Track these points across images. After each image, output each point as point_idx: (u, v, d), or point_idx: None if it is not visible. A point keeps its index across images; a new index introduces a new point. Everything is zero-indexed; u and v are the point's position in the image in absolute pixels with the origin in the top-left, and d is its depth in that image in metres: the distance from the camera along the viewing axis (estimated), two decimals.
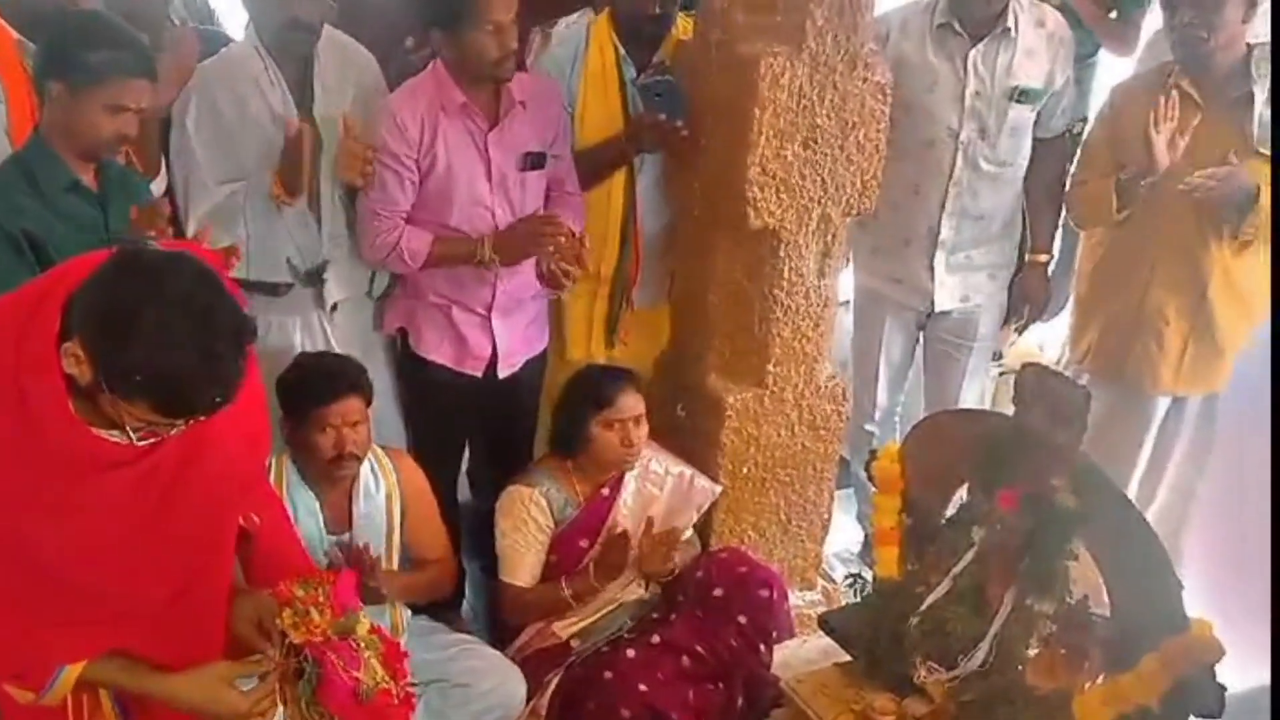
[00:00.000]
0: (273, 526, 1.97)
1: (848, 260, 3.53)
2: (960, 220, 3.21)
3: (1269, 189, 2.84)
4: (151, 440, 1.55)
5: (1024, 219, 3.37)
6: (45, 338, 1.48)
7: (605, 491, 2.79)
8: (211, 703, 1.70)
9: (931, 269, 3.26)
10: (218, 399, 1.49)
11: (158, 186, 2.66)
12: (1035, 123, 3.20)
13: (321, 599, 1.73)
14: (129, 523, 1.62)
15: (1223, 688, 1.84)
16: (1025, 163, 3.23)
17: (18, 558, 1.57)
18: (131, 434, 1.52)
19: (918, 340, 3.49)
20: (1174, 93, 2.91)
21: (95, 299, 1.46)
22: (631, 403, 2.73)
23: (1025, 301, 3.44)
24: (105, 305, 1.45)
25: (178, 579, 1.73)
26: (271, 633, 1.77)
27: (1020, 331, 3.65)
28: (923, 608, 2.23)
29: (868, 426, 3.54)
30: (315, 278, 2.83)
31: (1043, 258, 3.39)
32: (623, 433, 2.71)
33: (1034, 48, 3.11)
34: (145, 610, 1.72)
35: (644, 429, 2.75)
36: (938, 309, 3.32)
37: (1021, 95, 3.10)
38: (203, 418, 1.52)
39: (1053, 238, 3.42)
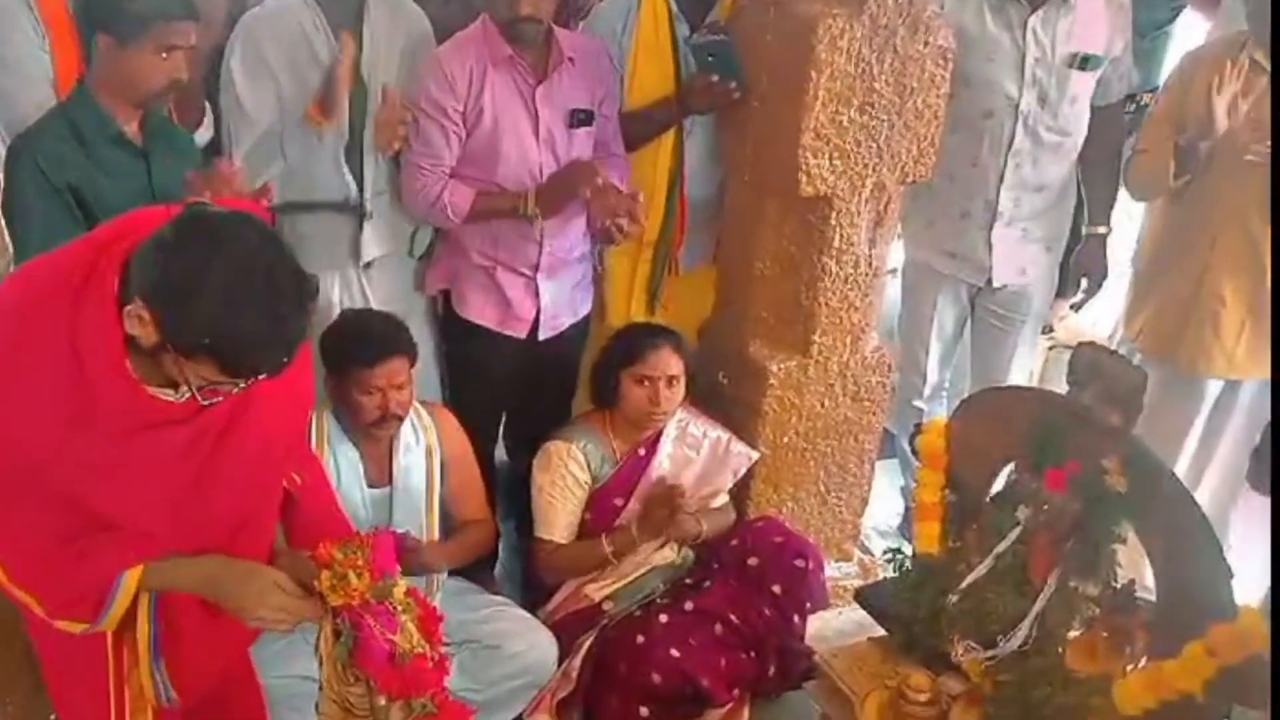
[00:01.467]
0: (313, 487, 1.97)
1: (898, 233, 3.47)
2: (1020, 192, 3.14)
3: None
4: (214, 399, 1.56)
5: (1079, 189, 3.30)
6: (104, 297, 1.48)
7: (642, 451, 2.78)
8: (257, 591, 1.69)
9: (990, 243, 3.19)
10: (284, 359, 1.50)
11: (202, 138, 2.66)
12: (1094, 90, 3.12)
13: (360, 563, 1.73)
14: (177, 479, 1.63)
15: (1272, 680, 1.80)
16: (1085, 132, 3.16)
17: (70, 505, 1.58)
18: (196, 393, 1.52)
19: (968, 314, 3.43)
20: (1244, 58, 2.84)
21: (159, 260, 1.46)
22: (664, 361, 2.69)
23: (1084, 274, 3.37)
24: (170, 267, 1.45)
25: (221, 536, 1.74)
26: (311, 594, 1.77)
27: (1077, 308, 3.55)
28: (963, 585, 2.20)
29: (916, 402, 3.49)
30: (356, 210, 2.80)
31: (1101, 229, 3.32)
32: (651, 390, 2.68)
33: (1094, 12, 3.03)
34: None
35: (676, 391, 2.72)
36: (995, 284, 3.25)
37: (1083, 62, 3.03)
38: (266, 377, 1.52)
39: (1110, 209, 3.34)
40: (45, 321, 1.50)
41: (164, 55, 2.23)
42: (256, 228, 1.50)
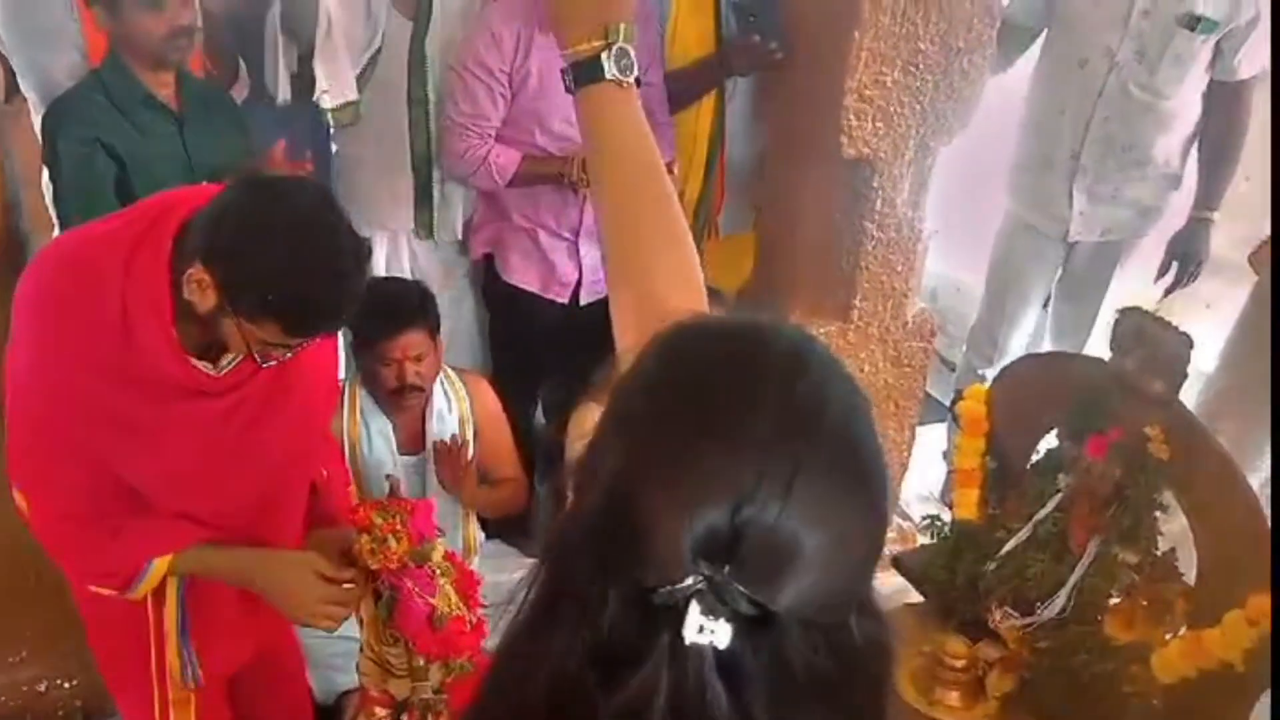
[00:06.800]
0: (335, 483, 2.00)
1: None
2: (1105, 148, 3.04)
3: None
4: (275, 361, 1.57)
5: (1182, 162, 3.13)
6: (156, 265, 1.50)
7: None
8: (299, 583, 1.71)
9: (1071, 195, 3.10)
10: (343, 317, 1.54)
11: (238, 95, 2.67)
12: (1214, 62, 2.96)
13: (399, 526, 1.75)
14: (209, 452, 1.65)
15: None
16: (1183, 98, 2.99)
17: (105, 470, 1.61)
18: (257, 355, 1.54)
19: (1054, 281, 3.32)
20: None
21: (224, 222, 1.48)
22: None
23: (1178, 258, 3.18)
24: (234, 227, 1.47)
25: (253, 516, 1.76)
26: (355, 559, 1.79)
27: (1168, 293, 3.23)
28: (1002, 552, 2.18)
29: (981, 370, 3.36)
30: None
31: (1208, 214, 3.13)
32: None
33: None
34: (225, 536, 1.75)
35: None
36: (1072, 238, 3.16)
37: (1194, 22, 2.85)
38: (326, 335, 1.57)
39: (1222, 194, 3.13)
40: (97, 282, 1.51)
41: (154, 13, 2.26)
42: (314, 189, 1.54)
